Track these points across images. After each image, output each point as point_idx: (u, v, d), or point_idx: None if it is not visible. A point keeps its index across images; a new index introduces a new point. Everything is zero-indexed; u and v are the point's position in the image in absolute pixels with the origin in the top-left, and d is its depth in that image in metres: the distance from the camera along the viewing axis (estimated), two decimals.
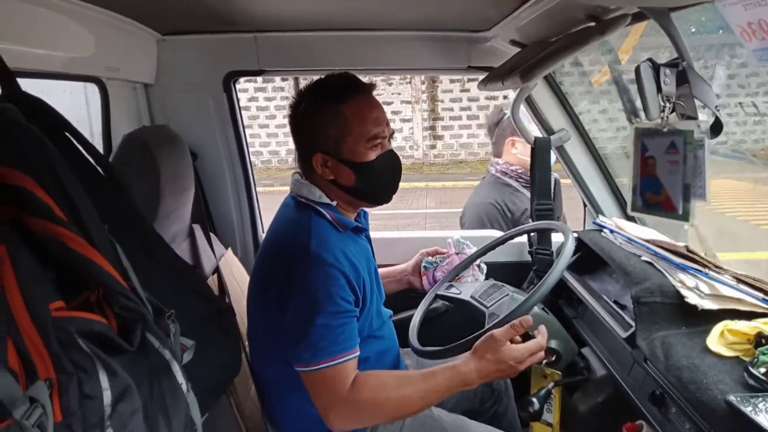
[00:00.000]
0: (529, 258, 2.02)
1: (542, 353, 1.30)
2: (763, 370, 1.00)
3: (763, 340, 1.07)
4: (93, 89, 1.79)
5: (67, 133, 0.98)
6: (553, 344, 1.40)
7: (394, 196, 1.43)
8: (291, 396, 1.36)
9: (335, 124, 1.30)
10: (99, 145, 1.77)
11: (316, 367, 1.21)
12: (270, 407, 1.43)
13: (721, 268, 1.35)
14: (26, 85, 0.95)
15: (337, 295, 1.23)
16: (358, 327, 1.29)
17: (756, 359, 1.03)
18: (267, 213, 2.35)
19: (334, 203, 1.35)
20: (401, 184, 1.42)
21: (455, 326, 1.54)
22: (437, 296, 1.63)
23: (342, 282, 1.24)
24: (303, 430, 1.38)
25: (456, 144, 12.47)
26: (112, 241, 0.89)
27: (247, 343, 1.58)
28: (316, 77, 1.38)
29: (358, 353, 1.25)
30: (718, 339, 1.14)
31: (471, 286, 1.58)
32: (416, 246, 1.83)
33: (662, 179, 1.27)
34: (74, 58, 1.41)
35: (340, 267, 1.25)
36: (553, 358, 1.40)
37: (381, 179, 1.36)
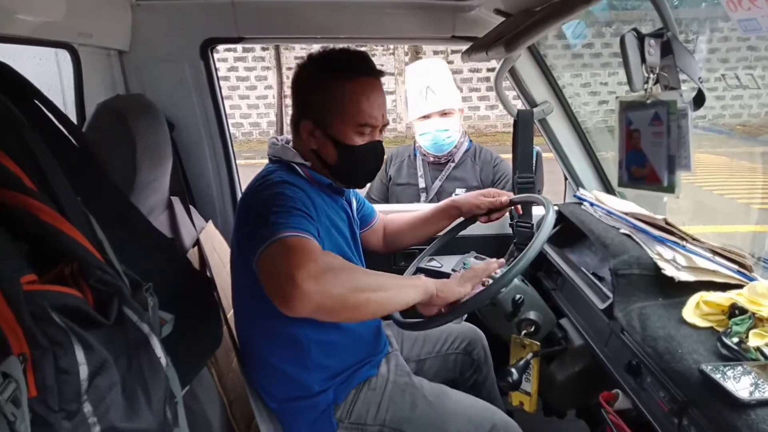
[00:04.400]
0: (509, 231, 2.04)
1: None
2: (735, 340, 1.03)
3: (737, 311, 1.09)
4: (65, 56, 1.73)
5: (36, 101, 0.95)
6: (532, 315, 1.42)
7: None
8: (272, 358, 1.37)
9: (329, 98, 1.29)
10: (72, 115, 1.71)
11: (275, 237, 1.07)
12: (251, 371, 1.44)
13: (698, 241, 1.37)
14: None
15: (297, 202, 1.17)
16: None
17: (729, 329, 1.05)
18: None
19: (309, 164, 1.35)
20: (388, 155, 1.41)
21: None
22: (418, 269, 1.64)
23: (305, 198, 1.21)
24: (283, 392, 1.39)
25: None
26: (86, 212, 0.86)
27: (229, 315, 1.57)
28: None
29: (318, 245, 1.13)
30: (694, 310, 1.16)
31: (452, 260, 1.58)
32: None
33: (647, 152, 1.27)
34: (44, 22, 1.35)
35: (302, 189, 1.24)
36: (532, 329, 1.42)
37: (361, 166, 1.37)
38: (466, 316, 1.33)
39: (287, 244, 1.07)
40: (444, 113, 2.31)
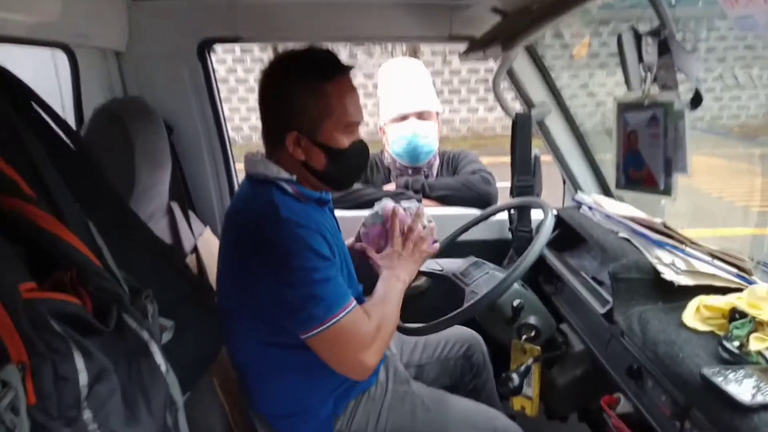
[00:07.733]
0: (509, 235, 2.03)
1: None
2: (736, 344, 1.03)
3: (737, 315, 1.09)
4: (63, 59, 1.72)
5: (33, 104, 0.94)
6: (532, 320, 1.42)
7: None
8: (269, 377, 1.34)
9: (317, 104, 1.22)
10: (70, 118, 1.71)
11: (336, 319, 1.17)
12: (246, 389, 1.40)
13: (696, 244, 1.37)
14: None
15: (321, 250, 1.19)
16: None
17: (730, 333, 1.05)
18: None
19: (294, 177, 1.28)
20: None
21: (437, 303, 1.54)
22: (419, 272, 1.63)
23: (320, 239, 1.21)
24: (282, 407, 1.37)
25: None
26: (85, 219, 0.86)
27: None
28: (294, 45, 1.32)
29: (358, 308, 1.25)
30: (694, 314, 1.16)
31: (453, 264, 1.58)
32: None
33: (644, 154, 1.27)
34: (39, 23, 1.33)
35: (314, 227, 1.21)
36: (533, 334, 1.42)
37: (351, 167, 1.33)
38: None
39: (342, 331, 1.19)
40: (421, 115, 2.07)
